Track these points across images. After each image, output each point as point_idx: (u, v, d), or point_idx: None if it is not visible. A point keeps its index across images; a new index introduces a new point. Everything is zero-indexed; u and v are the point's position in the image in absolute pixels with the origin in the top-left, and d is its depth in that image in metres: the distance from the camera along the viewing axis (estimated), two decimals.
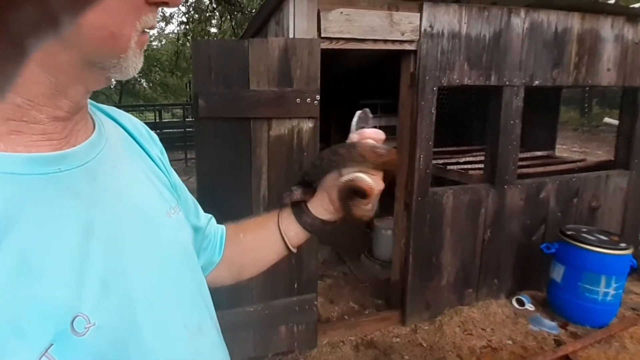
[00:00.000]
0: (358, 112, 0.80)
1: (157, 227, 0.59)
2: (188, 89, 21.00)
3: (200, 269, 0.70)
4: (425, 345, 3.00)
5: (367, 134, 0.75)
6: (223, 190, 2.46)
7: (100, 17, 0.41)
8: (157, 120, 14.37)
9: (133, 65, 0.48)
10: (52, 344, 0.40)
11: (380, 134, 0.76)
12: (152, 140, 0.70)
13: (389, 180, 0.79)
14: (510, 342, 3.02)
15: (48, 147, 0.45)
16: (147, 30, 0.48)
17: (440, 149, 4.14)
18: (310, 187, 0.84)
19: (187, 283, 0.62)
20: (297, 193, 0.85)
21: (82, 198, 0.48)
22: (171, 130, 13.04)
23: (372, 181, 0.74)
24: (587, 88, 4.12)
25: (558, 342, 3.00)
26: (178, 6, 0.50)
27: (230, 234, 0.87)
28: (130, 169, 0.59)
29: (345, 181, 0.75)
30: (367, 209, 0.78)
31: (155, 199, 0.62)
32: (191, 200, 0.79)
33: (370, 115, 0.80)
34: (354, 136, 0.77)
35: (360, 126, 0.79)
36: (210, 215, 0.87)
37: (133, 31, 0.45)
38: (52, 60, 0.41)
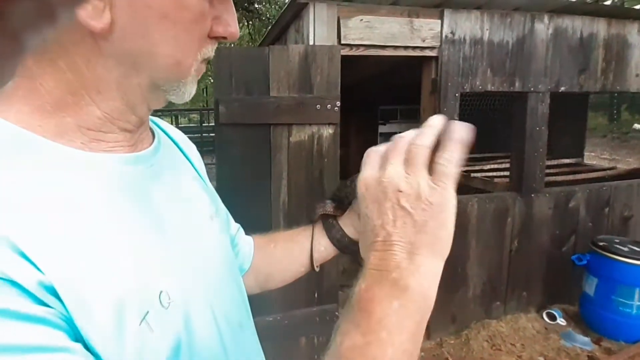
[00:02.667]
0: (393, 139, 0.82)
1: (203, 228, 0.65)
2: (205, 94, 21.25)
3: (238, 270, 0.76)
4: None
5: None
6: (243, 196, 2.44)
7: (170, 48, 0.49)
8: (174, 125, 14.71)
9: (189, 91, 0.55)
10: (148, 312, 0.46)
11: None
12: (192, 149, 0.77)
13: None
14: (541, 358, 2.89)
15: (123, 151, 0.53)
16: (205, 60, 0.55)
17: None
18: (341, 203, 0.87)
19: (229, 282, 0.67)
20: (330, 206, 0.87)
21: (151, 195, 0.55)
22: (188, 135, 13.37)
23: None
24: (616, 94, 4.02)
25: (592, 359, 2.86)
26: (235, 40, 0.57)
27: (260, 244, 0.90)
28: (180, 174, 0.66)
29: None
30: None
31: (200, 203, 0.68)
32: (223, 208, 0.83)
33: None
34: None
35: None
36: (238, 225, 0.90)
37: (195, 60, 0.53)
38: (127, 82, 0.50)
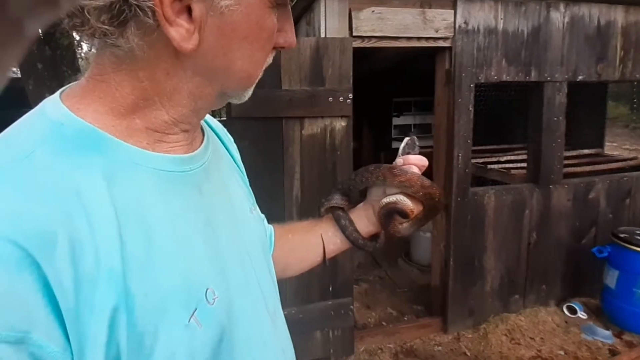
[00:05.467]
0: (406, 139, 0.85)
1: (245, 222, 0.69)
2: None
3: (272, 261, 0.79)
4: (469, 354, 2.86)
5: (411, 160, 0.81)
6: (255, 190, 2.43)
7: (246, 64, 0.54)
8: None
9: (249, 94, 0.60)
10: (196, 309, 0.50)
11: (423, 161, 0.82)
12: (231, 142, 0.79)
13: (430, 210, 0.84)
14: (562, 352, 2.84)
15: (181, 151, 0.57)
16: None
17: (479, 148, 4.01)
18: (347, 195, 0.90)
19: (265, 273, 0.70)
20: (337, 199, 0.90)
21: (203, 193, 0.58)
22: None
23: (412, 204, 0.80)
24: (635, 83, 3.94)
25: (613, 352, 2.80)
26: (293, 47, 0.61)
27: (278, 233, 0.92)
28: (225, 169, 0.69)
29: (387, 202, 0.81)
30: (403, 227, 0.86)
31: (242, 197, 0.72)
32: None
33: (417, 143, 0.85)
34: (399, 160, 0.82)
35: (406, 152, 0.83)
36: (263, 215, 0.92)
37: (261, 70, 0.57)
38: (200, 92, 0.54)
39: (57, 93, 0.52)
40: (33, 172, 0.43)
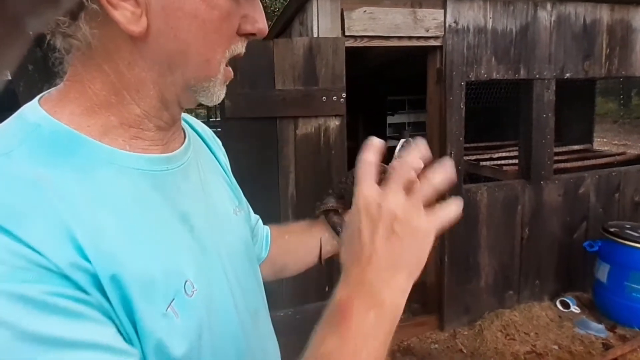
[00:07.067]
0: (402, 140, 0.84)
1: (227, 223, 0.69)
2: None
3: (257, 262, 0.80)
4: (465, 351, 2.87)
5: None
6: (251, 190, 2.41)
7: (201, 46, 0.53)
8: None
9: (217, 94, 0.59)
10: (173, 299, 0.51)
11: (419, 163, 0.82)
12: (218, 145, 0.81)
13: None
14: (556, 347, 2.87)
15: (157, 151, 0.58)
16: (229, 67, 0.59)
17: (472, 145, 4.05)
18: (342, 198, 0.91)
19: (248, 273, 0.71)
20: (332, 202, 0.90)
21: (181, 192, 0.59)
22: None
23: None
24: (621, 79, 4.01)
25: (606, 346, 2.84)
26: (264, 36, 0.60)
27: (275, 234, 0.94)
28: (207, 171, 0.70)
29: None
30: None
31: (225, 198, 0.73)
32: (245, 201, 0.86)
33: (413, 145, 0.83)
34: (395, 162, 0.80)
35: (402, 154, 0.82)
36: (257, 216, 0.93)
37: (223, 57, 0.56)
38: (162, 81, 0.54)
39: (36, 98, 0.54)
40: (12, 167, 0.45)
